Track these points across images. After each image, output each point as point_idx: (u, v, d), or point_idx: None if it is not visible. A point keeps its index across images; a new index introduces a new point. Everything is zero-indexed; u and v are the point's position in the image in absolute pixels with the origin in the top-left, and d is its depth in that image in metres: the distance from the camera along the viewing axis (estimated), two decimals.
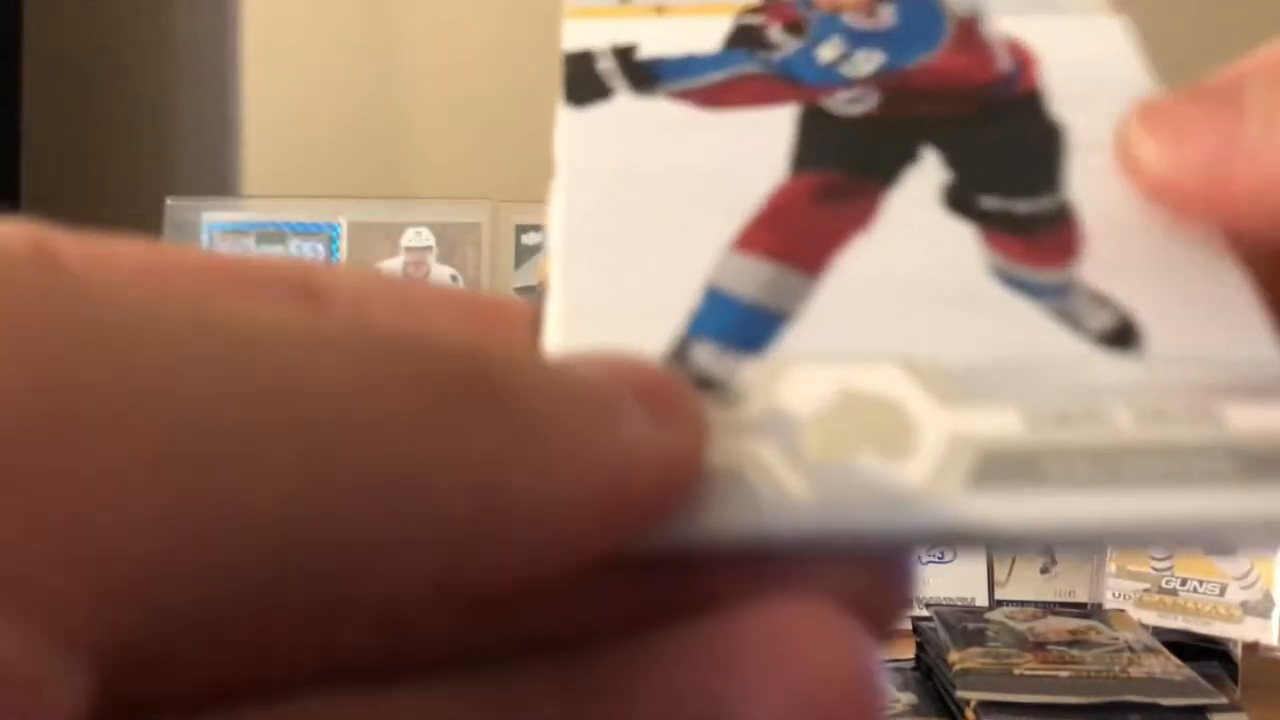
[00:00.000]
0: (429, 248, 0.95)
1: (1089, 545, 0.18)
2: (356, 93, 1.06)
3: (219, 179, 1.06)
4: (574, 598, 0.14)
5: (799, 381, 0.18)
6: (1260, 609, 0.79)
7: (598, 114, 0.22)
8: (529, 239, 0.99)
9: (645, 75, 0.23)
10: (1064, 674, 0.67)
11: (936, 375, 0.18)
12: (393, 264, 0.95)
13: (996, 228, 0.20)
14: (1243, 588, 0.80)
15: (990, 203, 0.21)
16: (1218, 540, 0.17)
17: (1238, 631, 0.79)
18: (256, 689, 0.12)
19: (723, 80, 0.23)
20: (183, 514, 0.10)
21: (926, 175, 0.21)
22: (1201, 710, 0.65)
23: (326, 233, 0.95)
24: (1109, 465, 0.17)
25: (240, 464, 0.11)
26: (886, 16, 0.24)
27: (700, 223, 0.20)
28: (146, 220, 0.94)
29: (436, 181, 1.04)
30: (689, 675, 0.14)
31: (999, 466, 0.17)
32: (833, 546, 0.16)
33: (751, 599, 0.14)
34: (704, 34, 0.24)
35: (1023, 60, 0.24)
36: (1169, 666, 0.68)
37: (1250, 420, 0.17)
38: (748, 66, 0.23)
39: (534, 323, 0.19)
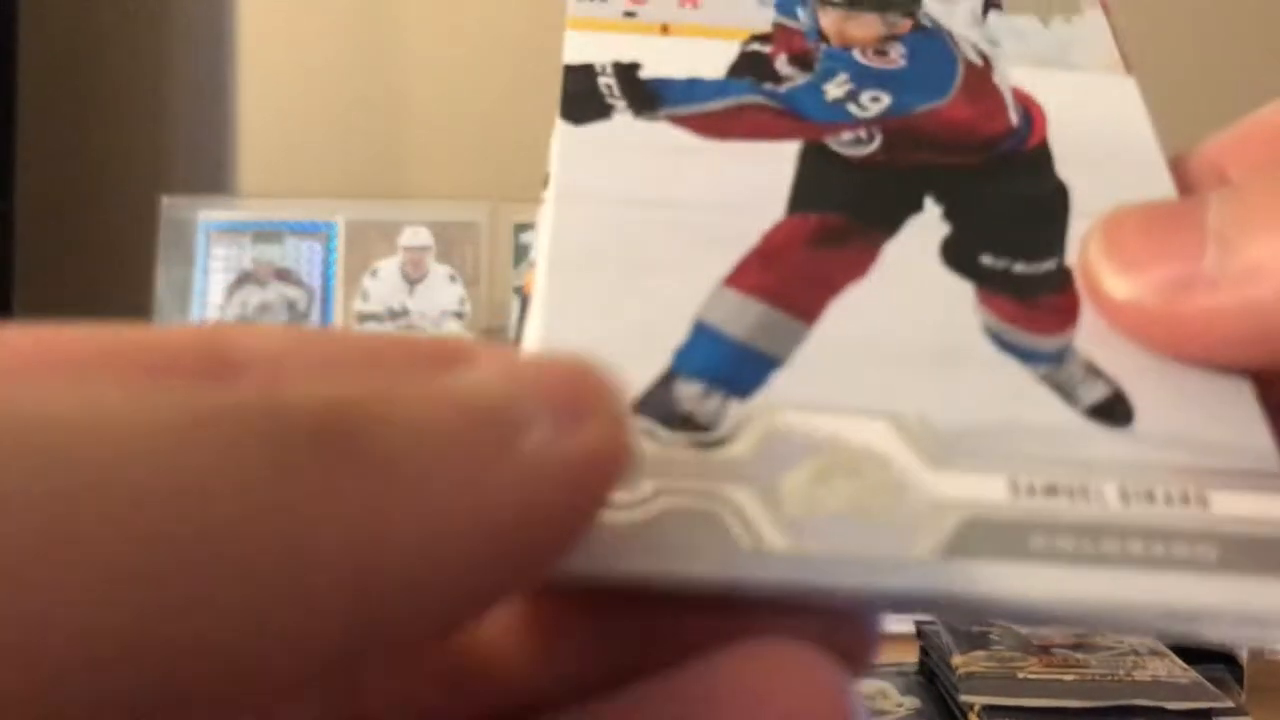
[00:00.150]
0: (427, 247, 0.95)
1: (1064, 623, 0.18)
2: (354, 91, 1.05)
3: (215, 178, 1.05)
4: (548, 658, 0.14)
5: (785, 429, 0.17)
6: None
7: (595, 132, 0.22)
8: (528, 238, 0.98)
9: (647, 96, 0.22)
10: (1069, 678, 0.66)
11: (925, 435, 0.17)
12: (390, 263, 0.94)
13: (994, 287, 0.20)
14: None
15: (990, 261, 0.20)
16: (1194, 629, 0.16)
17: None
18: None
19: (725, 108, 0.22)
20: None
21: (927, 226, 0.21)
22: (1207, 714, 0.65)
23: (323, 232, 0.95)
24: (1092, 542, 0.16)
25: (55, 569, 0.10)
26: (898, 57, 0.24)
27: (692, 255, 0.20)
28: (141, 220, 0.93)
29: (435, 180, 1.04)
30: None
31: (981, 535, 0.16)
32: (805, 599, 0.16)
33: (729, 642, 0.14)
34: (709, 57, 0.23)
35: (1032, 115, 0.23)
36: (1174, 670, 0.68)
37: (1236, 508, 0.17)
38: (752, 96, 0.23)
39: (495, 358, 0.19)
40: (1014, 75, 0.24)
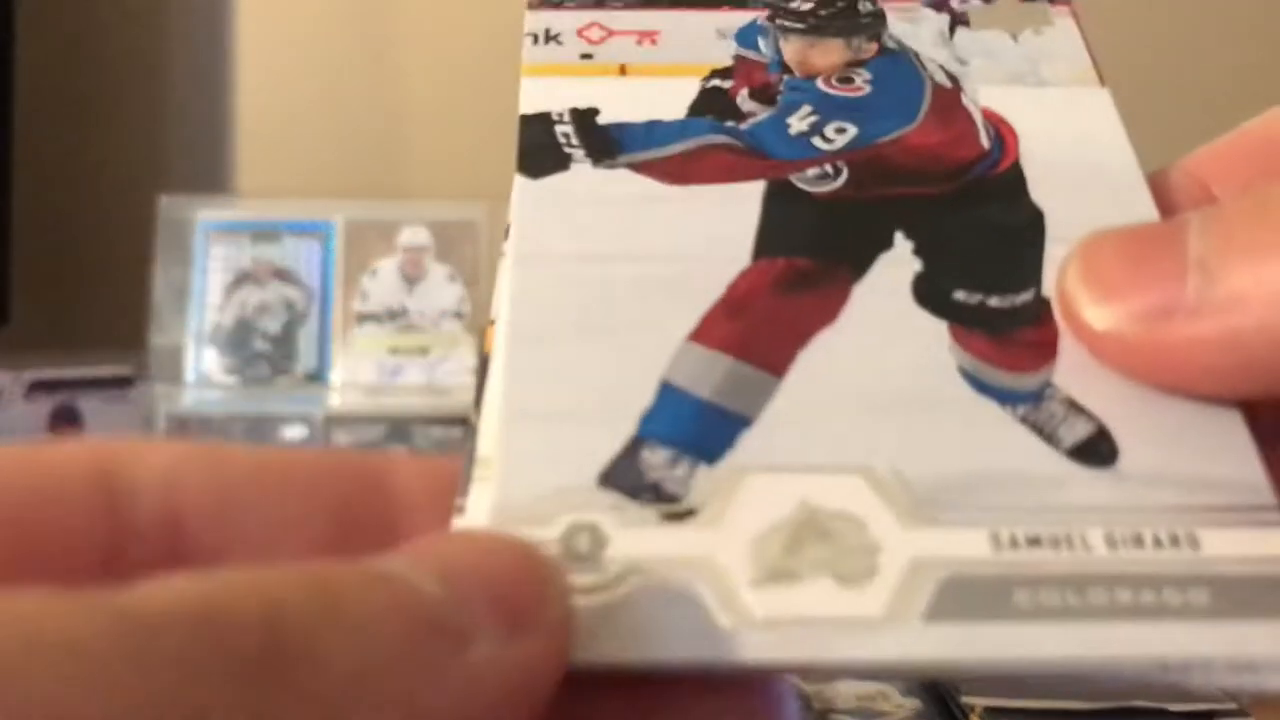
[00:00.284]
0: (426, 247, 0.94)
1: (1053, 680, 0.17)
2: (353, 90, 1.05)
3: (213, 177, 1.05)
4: None
5: (757, 494, 0.16)
6: None
7: (553, 185, 0.21)
8: None
9: (605, 142, 0.22)
10: None
11: (900, 490, 0.17)
12: (389, 263, 0.94)
13: (968, 324, 0.19)
14: None
15: (963, 296, 0.20)
16: (1185, 678, 0.15)
17: None
18: None
19: (686, 151, 0.22)
20: None
21: (898, 263, 0.20)
22: (1210, 715, 0.64)
23: (322, 231, 0.94)
24: (1078, 594, 0.16)
25: None
26: (863, 83, 0.23)
27: (657, 310, 0.19)
28: (139, 219, 0.93)
29: (434, 179, 1.03)
30: None
31: (962, 595, 0.15)
32: (782, 671, 0.15)
33: None
34: (669, 97, 0.23)
35: (1004, 136, 0.22)
36: None
37: (1228, 547, 0.16)
38: (714, 136, 0.22)
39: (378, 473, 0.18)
40: (984, 95, 0.23)
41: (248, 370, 0.91)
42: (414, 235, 0.95)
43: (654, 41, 0.24)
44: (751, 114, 0.22)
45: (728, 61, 0.23)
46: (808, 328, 0.19)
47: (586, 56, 0.24)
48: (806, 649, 0.15)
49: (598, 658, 0.14)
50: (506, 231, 0.20)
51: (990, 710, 0.62)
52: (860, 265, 0.20)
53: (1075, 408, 0.18)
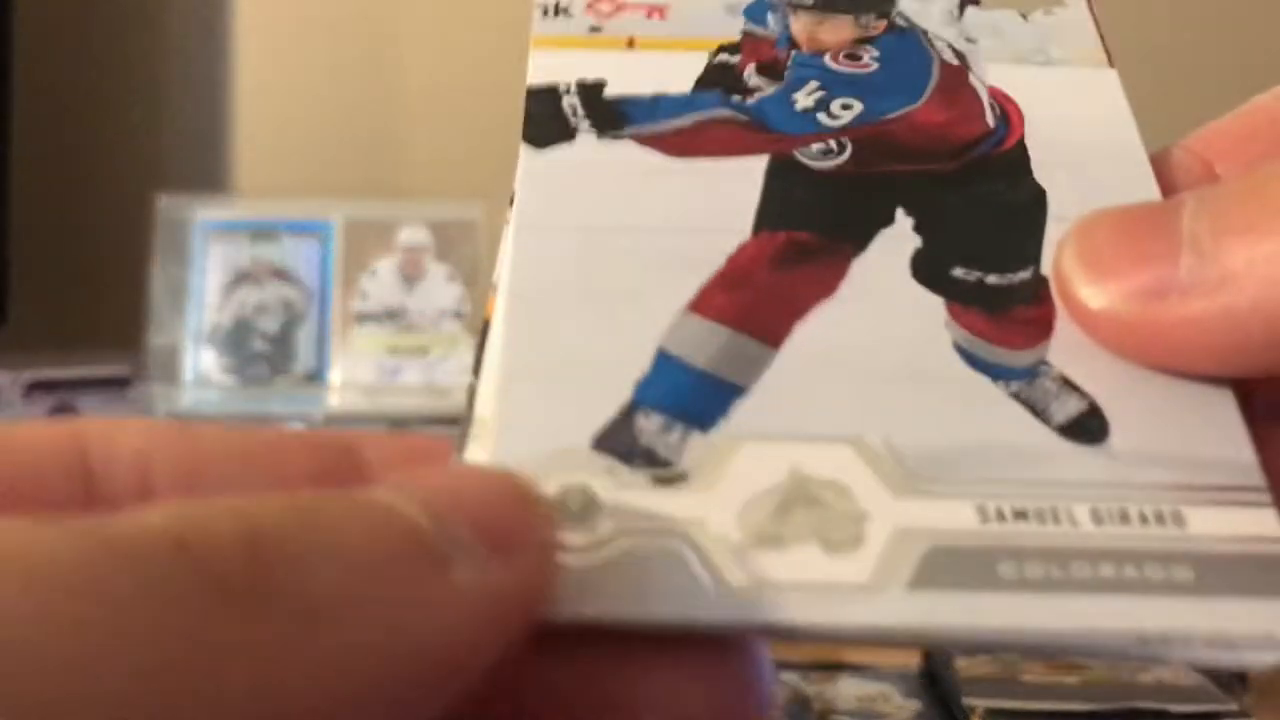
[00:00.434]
0: (425, 246, 0.94)
1: (1033, 652, 0.17)
2: (351, 89, 1.05)
3: (211, 177, 1.05)
4: None
5: (748, 462, 0.17)
6: None
7: (558, 156, 0.21)
8: None
9: (611, 115, 0.22)
10: (1072, 680, 0.66)
11: (890, 461, 0.17)
12: (388, 262, 0.94)
13: (965, 301, 0.19)
14: None
15: (961, 273, 0.20)
16: (1164, 652, 0.15)
17: None
18: None
19: (692, 125, 0.22)
20: None
21: (898, 239, 0.20)
22: (1212, 717, 0.64)
23: (321, 231, 0.94)
24: (1061, 567, 0.16)
25: None
26: (870, 60, 0.23)
27: (657, 281, 0.19)
28: (137, 219, 0.93)
29: (433, 178, 1.03)
30: None
31: (947, 565, 0.16)
32: (766, 634, 0.15)
33: (613, 699, 0.14)
34: (676, 71, 0.23)
35: (1010, 115, 0.22)
36: (1179, 672, 0.67)
37: (1214, 526, 0.16)
38: (720, 110, 0.22)
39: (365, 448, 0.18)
40: (991, 74, 0.23)
41: (246, 370, 0.91)
42: (413, 235, 0.94)
43: (663, 15, 0.24)
44: (758, 89, 0.22)
45: (736, 37, 0.24)
46: (806, 301, 0.19)
47: (595, 30, 0.24)
48: (788, 612, 0.15)
49: (585, 613, 0.15)
50: (511, 200, 0.20)
51: (992, 712, 0.62)
52: (860, 240, 0.20)
53: (1068, 385, 0.18)
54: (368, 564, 0.12)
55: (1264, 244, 0.17)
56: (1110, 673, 0.66)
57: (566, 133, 0.21)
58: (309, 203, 0.95)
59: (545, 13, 0.24)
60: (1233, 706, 0.65)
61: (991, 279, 0.20)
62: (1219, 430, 0.18)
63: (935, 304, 0.19)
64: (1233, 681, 0.76)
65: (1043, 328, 0.19)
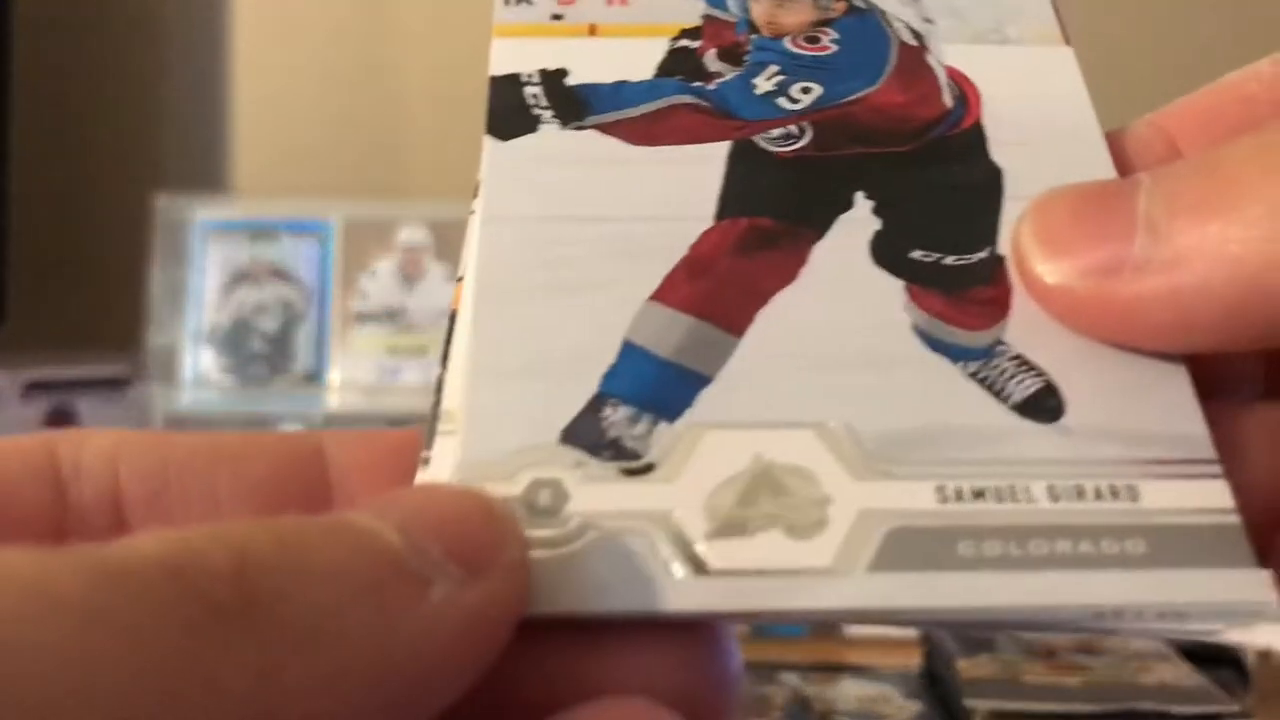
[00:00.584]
0: (425, 246, 0.94)
1: (995, 627, 0.18)
2: (350, 88, 1.05)
3: (210, 176, 1.05)
4: None
5: (713, 450, 0.17)
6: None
7: (522, 147, 0.21)
8: None
9: (574, 103, 0.22)
10: (1074, 682, 0.66)
11: (851, 445, 0.17)
12: (388, 262, 0.94)
13: (924, 283, 0.20)
14: None
15: (920, 255, 0.20)
16: (1117, 625, 0.16)
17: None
18: None
19: (654, 111, 0.22)
20: None
21: (858, 223, 0.20)
22: (1214, 718, 0.64)
23: (320, 231, 0.94)
24: (1020, 545, 0.16)
25: None
26: (830, 43, 0.23)
27: (622, 270, 0.19)
28: (136, 219, 0.92)
29: (432, 178, 1.03)
30: None
31: (908, 545, 0.16)
32: (735, 619, 0.16)
33: (582, 700, 0.15)
34: (638, 57, 0.23)
35: (967, 95, 0.23)
36: (1180, 673, 0.67)
37: (1166, 499, 0.17)
38: (681, 96, 0.22)
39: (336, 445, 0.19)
40: (949, 54, 0.23)
41: (245, 370, 0.91)
42: (413, 234, 0.94)
43: (624, 1, 0.24)
44: (719, 74, 0.22)
45: (697, 21, 0.23)
46: (768, 287, 0.19)
47: (557, 17, 0.24)
48: (753, 598, 0.16)
49: (554, 608, 0.15)
50: (475, 190, 0.21)
51: (993, 714, 0.62)
52: (821, 225, 0.20)
53: (1024, 364, 0.19)
54: (351, 588, 0.13)
55: (1213, 224, 0.17)
56: (1112, 674, 0.66)
57: (529, 123, 0.22)
58: (308, 202, 0.95)
59: (507, 1, 0.25)
60: (1234, 708, 0.65)
61: (949, 260, 0.20)
62: (1171, 405, 0.18)
63: (895, 287, 0.19)
64: (1235, 683, 0.76)
65: (1000, 308, 0.19)
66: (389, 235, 0.94)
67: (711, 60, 0.23)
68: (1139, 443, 0.17)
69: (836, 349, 0.19)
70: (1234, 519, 0.17)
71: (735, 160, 0.21)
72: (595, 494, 0.16)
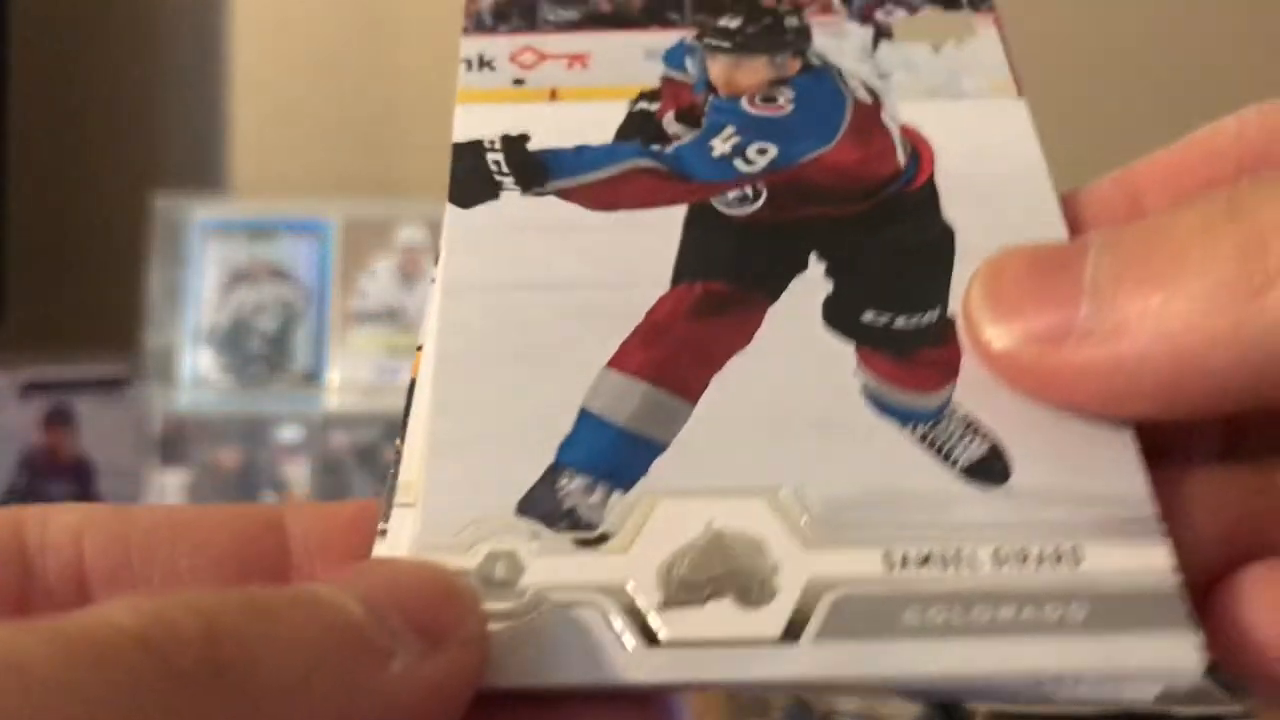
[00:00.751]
0: (424, 245, 0.94)
1: (939, 696, 0.19)
2: (349, 87, 1.05)
3: (208, 175, 1.04)
4: None
5: (666, 518, 0.17)
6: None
7: (483, 214, 0.21)
8: None
9: (535, 169, 0.22)
10: None
11: (800, 513, 0.17)
12: (387, 262, 0.94)
13: (874, 345, 0.20)
14: None
15: (871, 318, 0.20)
16: (1055, 691, 0.16)
17: None
18: None
19: (612, 176, 0.22)
20: None
21: (811, 286, 0.20)
22: (1215, 719, 0.64)
23: (319, 230, 0.94)
24: (964, 612, 0.16)
25: None
26: (786, 102, 0.23)
27: (579, 338, 0.19)
28: (134, 218, 0.92)
29: (431, 178, 1.03)
30: None
31: (854, 614, 0.16)
32: (684, 689, 0.16)
33: None
34: (598, 120, 0.23)
35: (920, 152, 0.23)
36: None
37: (1106, 562, 0.17)
38: (639, 160, 0.22)
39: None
40: (904, 111, 0.23)
41: (244, 370, 0.91)
42: (412, 234, 0.94)
43: (584, 65, 0.24)
44: (677, 136, 0.23)
45: (655, 83, 0.24)
46: (722, 352, 0.19)
47: (519, 82, 0.24)
48: (704, 669, 0.16)
49: (510, 680, 0.15)
50: (435, 258, 0.21)
51: (994, 715, 0.62)
52: (775, 288, 0.20)
53: (971, 427, 0.19)
54: (316, 658, 0.13)
55: (1155, 296, 0.17)
56: None
57: (491, 190, 0.22)
58: (307, 202, 0.95)
59: (470, 66, 0.24)
60: (1236, 708, 0.64)
61: (900, 322, 0.20)
62: (1115, 466, 0.18)
63: (845, 350, 0.20)
64: (1237, 685, 0.75)
65: (949, 369, 0.19)
66: (388, 235, 0.94)
67: (670, 122, 0.23)
68: (1083, 504, 0.18)
69: (788, 414, 0.19)
70: (1173, 580, 0.17)
71: (691, 224, 0.21)
72: (550, 566, 0.17)
